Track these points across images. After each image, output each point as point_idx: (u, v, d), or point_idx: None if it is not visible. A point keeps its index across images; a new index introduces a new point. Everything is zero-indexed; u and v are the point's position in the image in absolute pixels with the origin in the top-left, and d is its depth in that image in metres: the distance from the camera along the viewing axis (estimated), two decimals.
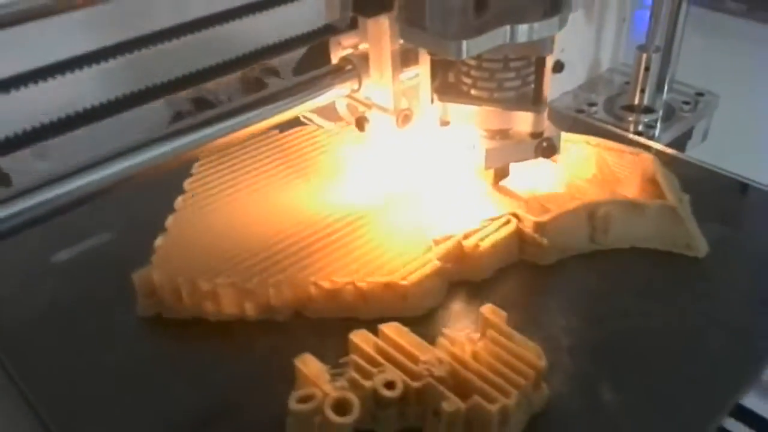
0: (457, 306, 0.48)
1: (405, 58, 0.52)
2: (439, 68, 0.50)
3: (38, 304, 0.49)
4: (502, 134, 0.51)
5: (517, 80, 0.50)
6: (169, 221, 0.52)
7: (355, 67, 0.52)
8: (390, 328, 0.41)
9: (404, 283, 0.45)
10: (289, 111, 0.51)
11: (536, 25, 0.44)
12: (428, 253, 0.48)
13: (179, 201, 0.54)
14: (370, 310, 0.46)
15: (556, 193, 0.54)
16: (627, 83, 0.95)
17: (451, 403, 0.35)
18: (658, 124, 0.89)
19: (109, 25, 0.60)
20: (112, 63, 0.59)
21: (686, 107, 0.91)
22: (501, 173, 0.53)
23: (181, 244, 0.49)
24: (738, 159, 0.68)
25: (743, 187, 0.59)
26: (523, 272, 0.50)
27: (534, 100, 0.50)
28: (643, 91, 0.87)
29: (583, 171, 0.58)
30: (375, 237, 0.49)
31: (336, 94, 0.53)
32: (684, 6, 0.83)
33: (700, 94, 0.94)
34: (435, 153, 0.53)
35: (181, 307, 0.46)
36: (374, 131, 0.54)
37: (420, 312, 0.46)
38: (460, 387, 0.37)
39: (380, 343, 0.40)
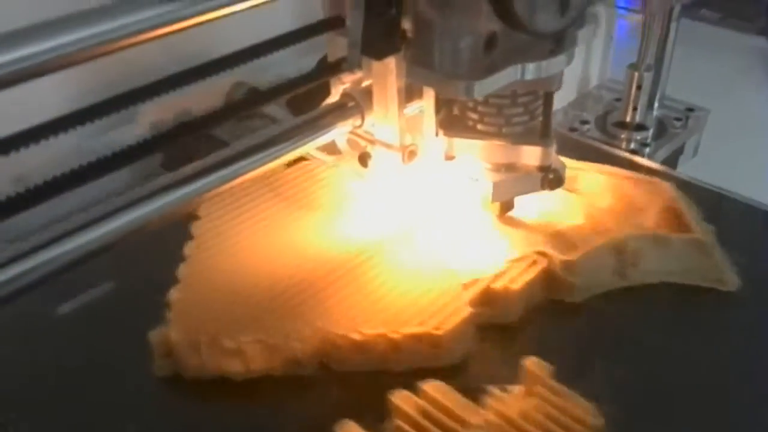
0: (490, 351, 0.46)
1: (408, 92, 0.49)
2: (443, 102, 0.49)
3: (41, 364, 0.46)
4: (508, 167, 0.50)
5: (525, 115, 0.49)
6: (181, 271, 0.49)
7: (358, 103, 0.50)
8: (432, 388, 0.39)
9: (438, 333, 0.43)
10: (290, 153, 0.47)
11: (545, 63, 0.44)
12: (459, 298, 0.46)
13: (189, 247, 0.51)
14: (401, 361, 0.44)
15: (576, 225, 0.53)
16: (617, 100, 0.95)
17: None
18: (651, 142, 0.89)
19: None
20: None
21: (677, 123, 0.92)
22: (506, 206, 0.53)
23: (199, 298, 0.46)
24: (726, 171, 0.68)
25: (746, 207, 0.58)
26: (553, 312, 0.49)
27: (542, 134, 0.49)
28: (635, 109, 0.88)
29: (599, 200, 0.56)
30: (397, 278, 0.47)
31: (338, 132, 0.50)
32: (675, 24, 0.83)
33: (690, 110, 0.95)
34: (440, 187, 0.52)
35: (202, 366, 0.44)
36: (378, 167, 0.52)
37: (453, 361, 0.44)
38: None
39: (422, 403, 0.38)
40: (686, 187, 0.57)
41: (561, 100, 0.95)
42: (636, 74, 0.86)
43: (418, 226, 0.52)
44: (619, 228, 0.52)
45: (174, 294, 0.47)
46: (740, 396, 0.42)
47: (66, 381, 0.44)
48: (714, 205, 0.58)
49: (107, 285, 0.52)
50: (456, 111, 0.51)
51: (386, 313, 0.45)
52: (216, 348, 0.43)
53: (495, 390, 0.38)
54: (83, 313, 0.50)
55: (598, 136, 0.91)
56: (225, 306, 0.45)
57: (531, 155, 0.49)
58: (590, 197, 0.56)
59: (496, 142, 0.49)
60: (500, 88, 0.44)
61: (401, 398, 0.38)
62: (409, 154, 0.49)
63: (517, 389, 0.39)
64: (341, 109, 0.50)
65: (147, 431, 0.41)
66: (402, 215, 0.53)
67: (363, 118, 0.50)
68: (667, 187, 0.56)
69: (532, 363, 0.40)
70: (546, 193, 0.51)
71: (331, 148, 0.56)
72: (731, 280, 0.49)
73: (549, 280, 0.49)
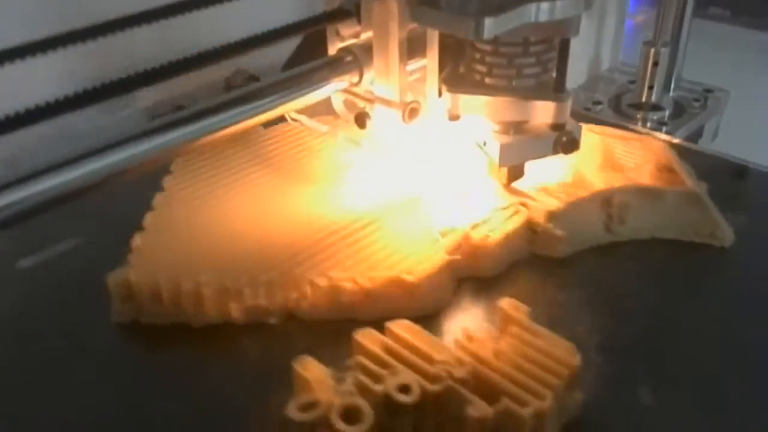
0: (469, 304, 0.43)
1: (411, 49, 0.46)
2: (447, 59, 0.46)
3: (1, 311, 0.43)
4: (517, 129, 0.46)
5: (538, 66, 0.45)
6: (147, 219, 0.47)
7: (356, 57, 0.46)
8: (399, 326, 0.36)
9: (411, 278, 0.41)
10: (281, 107, 0.44)
11: (560, 3, 0.40)
12: (435, 246, 0.43)
13: (158, 198, 0.49)
14: (372, 309, 0.41)
15: (564, 183, 0.51)
16: (631, 82, 0.91)
17: (478, 408, 0.31)
18: (668, 121, 0.86)
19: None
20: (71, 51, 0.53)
21: (696, 104, 0.88)
22: (515, 173, 0.48)
23: (161, 243, 0.44)
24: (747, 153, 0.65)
25: (742, 170, 0.55)
26: (537, 266, 0.46)
27: (556, 88, 0.45)
28: (651, 87, 0.84)
29: (590, 161, 0.54)
30: (380, 238, 0.44)
31: (333, 89, 0.47)
32: (691, 1, 0.80)
33: (709, 91, 0.91)
34: (443, 151, 0.49)
35: (162, 310, 0.41)
36: (377, 127, 0.48)
37: (427, 311, 0.42)
38: (485, 390, 0.32)
39: (389, 342, 0.35)
40: (687, 153, 0.54)
41: (571, 81, 0.92)
42: (652, 50, 0.83)
43: (414, 193, 0.48)
44: (608, 184, 0.49)
45: (137, 239, 0.44)
46: (730, 354, 0.39)
47: (22, 325, 0.42)
48: (712, 169, 0.55)
49: (72, 240, 0.50)
50: (462, 69, 0.48)
51: (358, 260, 0.42)
52: (176, 290, 0.41)
53: (466, 330, 0.36)
54: (46, 265, 0.48)
55: (612, 117, 0.86)
56: (188, 250, 0.43)
57: (544, 112, 0.45)
58: (580, 157, 0.54)
59: (506, 98, 0.45)
60: (511, 31, 0.40)
61: (365, 336, 0.35)
62: (410, 111, 0.46)
63: (489, 328, 0.36)
64: (337, 63, 0.47)
65: (98, 371, 0.38)
66: (398, 182, 0.49)
67: (361, 75, 0.47)
68: (659, 144, 0.53)
69: (507, 303, 0.37)
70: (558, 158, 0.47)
71: (323, 110, 0.53)
72: (726, 235, 0.47)
73: (532, 232, 0.47)
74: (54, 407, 0.37)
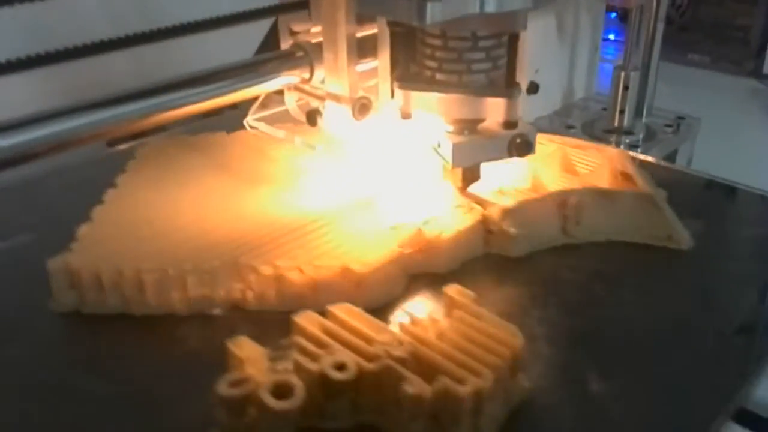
0: (418, 298, 0.42)
1: (362, 50, 0.46)
2: (399, 57, 0.45)
3: None
4: (471, 129, 0.45)
5: (488, 62, 0.44)
6: (96, 211, 0.46)
7: (307, 53, 0.47)
8: (340, 309, 0.35)
9: (358, 268, 0.40)
10: (227, 96, 0.44)
11: None
12: (385, 239, 0.43)
13: (109, 193, 0.48)
14: (319, 300, 0.40)
15: (521, 188, 0.50)
16: (604, 109, 0.92)
17: (414, 385, 0.30)
18: (640, 144, 0.87)
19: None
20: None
21: (668, 129, 0.89)
22: (470, 176, 0.47)
23: (107, 232, 0.43)
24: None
25: (708, 183, 0.56)
26: (491, 264, 0.45)
27: (507, 84, 0.44)
28: (622, 112, 0.85)
29: (547, 168, 0.54)
30: (330, 232, 0.43)
31: (283, 83, 0.48)
32: (660, 26, 0.82)
33: (681, 118, 0.92)
34: (397, 151, 0.48)
35: (103, 299, 0.40)
36: (328, 125, 0.48)
37: (376, 304, 0.41)
38: (425, 371, 0.31)
39: (329, 324, 0.34)
40: (647, 167, 0.54)
41: (545, 108, 0.92)
42: (623, 74, 0.84)
43: (365, 196, 0.47)
44: (564, 188, 0.49)
45: (83, 228, 0.43)
46: (677, 344, 0.38)
47: None
48: (677, 182, 0.55)
49: (21, 235, 0.48)
50: (413, 67, 0.46)
51: (306, 251, 0.41)
52: (118, 278, 0.39)
53: (411, 314, 0.35)
54: None
55: (585, 140, 0.87)
56: (133, 240, 0.42)
57: (495, 109, 0.44)
58: (536, 163, 0.54)
59: (457, 95, 0.44)
60: (459, 23, 0.40)
61: (305, 318, 0.34)
62: (361, 107, 0.45)
63: (433, 313, 0.35)
64: (288, 58, 0.46)
65: (29, 358, 0.37)
66: (353, 186, 0.48)
67: (312, 71, 0.46)
68: (615, 151, 0.53)
69: (452, 289, 0.36)
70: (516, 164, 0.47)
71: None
72: (683, 238, 0.47)
73: (487, 231, 0.46)
74: None
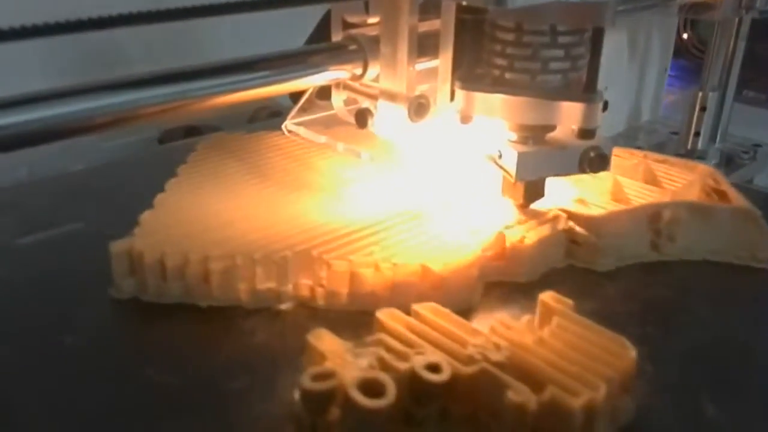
0: (498, 306, 0.39)
1: (422, 48, 0.42)
2: (463, 54, 0.41)
3: None
4: (537, 140, 0.40)
5: (566, 61, 0.39)
6: (158, 198, 0.43)
7: (362, 47, 0.42)
8: (427, 308, 0.32)
9: (439, 269, 0.37)
10: (267, 87, 0.39)
11: None
12: (466, 242, 0.40)
13: (170, 182, 0.46)
14: (394, 301, 0.37)
15: (603, 199, 0.47)
16: (674, 133, 0.88)
17: (519, 393, 0.26)
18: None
19: None
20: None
21: (745, 156, 0.84)
22: (534, 192, 0.42)
23: (170, 219, 0.41)
24: None
25: None
26: (574, 276, 0.42)
27: (587, 87, 0.39)
28: (697, 134, 0.80)
29: (630, 180, 0.50)
30: (407, 230, 0.40)
31: (332, 77, 0.43)
32: (741, 45, 0.78)
33: (758, 145, 0.87)
34: (452, 158, 0.43)
35: (165, 287, 0.37)
36: (378, 127, 0.43)
37: (454, 309, 0.37)
38: (526, 379, 0.28)
39: (415, 323, 0.31)
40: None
41: (609, 129, 0.88)
42: (700, 94, 0.80)
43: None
44: (653, 201, 0.46)
45: (145, 214, 0.41)
46: None
47: (11, 301, 0.38)
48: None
49: (76, 223, 0.47)
50: (478, 68, 0.41)
51: (386, 251, 0.38)
52: (183, 265, 0.37)
53: (502, 318, 0.32)
54: (45, 242, 0.44)
55: None
56: (199, 226, 0.40)
57: (570, 115, 0.39)
58: (618, 175, 0.51)
59: (527, 98, 0.39)
60: (537, 11, 0.36)
61: (389, 315, 0.31)
62: (418, 107, 0.41)
63: (528, 318, 0.32)
64: (340, 51, 0.42)
65: (89, 347, 0.34)
66: (409, 196, 0.44)
67: (366, 67, 0.42)
68: (706, 168, 0.50)
69: (549, 296, 0.33)
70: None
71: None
72: None
73: (570, 242, 0.43)
74: (37, 379, 0.33)
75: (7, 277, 0.40)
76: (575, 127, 0.39)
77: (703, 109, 0.78)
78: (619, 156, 0.52)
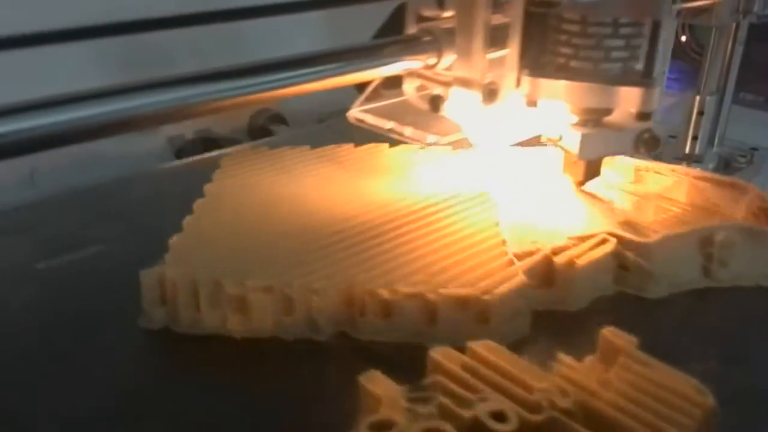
0: (551, 340, 0.37)
1: (491, 38, 0.44)
2: (530, 45, 0.43)
3: (10, 310, 0.38)
4: (596, 122, 0.45)
5: (626, 50, 0.43)
6: (187, 220, 0.42)
7: (437, 38, 0.44)
8: (484, 347, 0.30)
9: (487, 297, 0.35)
10: (345, 77, 0.41)
11: None
12: (511, 266, 0.38)
13: (198, 203, 0.44)
14: (439, 333, 0.35)
15: (648, 221, 0.45)
16: (672, 136, 0.87)
17: None
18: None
19: None
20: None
21: (742, 159, 0.83)
22: (592, 170, 0.47)
23: (203, 242, 0.39)
24: None
25: None
26: (625, 305, 0.40)
27: (645, 73, 0.43)
28: (695, 138, 0.79)
29: (673, 200, 0.49)
30: (443, 240, 0.40)
31: (406, 67, 0.44)
32: (739, 50, 0.76)
33: (755, 149, 0.86)
34: (516, 143, 0.48)
35: (199, 317, 0.36)
36: (452, 110, 0.46)
37: (502, 342, 0.36)
38: (596, 427, 0.26)
39: (473, 363, 0.29)
40: None
41: None
42: (698, 98, 0.79)
43: (480, 187, 0.46)
44: (701, 223, 0.44)
45: (175, 239, 0.39)
46: None
47: (32, 326, 0.37)
48: None
49: (100, 245, 0.45)
50: (543, 57, 0.45)
51: (423, 270, 0.37)
52: (217, 294, 0.35)
53: (564, 357, 0.30)
54: (68, 266, 0.43)
55: None
56: (232, 250, 0.38)
57: (629, 99, 0.43)
58: (663, 195, 0.49)
59: (589, 84, 0.43)
60: (600, 5, 0.40)
61: (443, 353, 0.29)
62: (490, 92, 0.43)
63: (590, 359, 0.30)
64: (414, 43, 0.44)
65: (118, 381, 0.33)
66: (468, 181, 0.47)
67: (440, 57, 0.44)
68: (752, 186, 0.48)
69: (610, 332, 0.31)
70: (639, 157, 0.47)
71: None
72: None
73: (619, 267, 0.41)
74: (62, 407, 0.31)
75: (28, 306, 0.38)
76: (633, 110, 0.43)
77: (700, 113, 0.76)
78: (661, 173, 0.51)
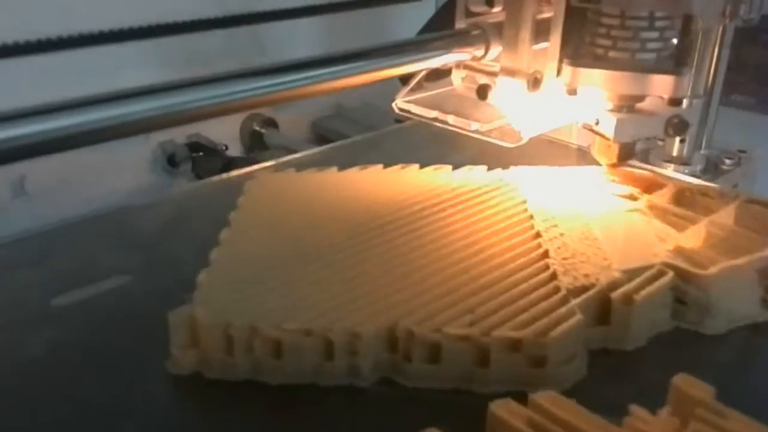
0: (610, 383, 0.34)
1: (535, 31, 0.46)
2: (570, 36, 0.46)
3: (32, 354, 0.36)
4: (629, 108, 0.48)
5: (660, 41, 0.46)
6: (214, 254, 0.40)
7: (485, 32, 0.46)
8: (548, 400, 0.27)
9: (543, 339, 0.33)
10: (399, 68, 0.42)
11: None
12: (566, 304, 0.35)
13: (225, 234, 0.42)
14: (490, 379, 0.33)
15: (699, 245, 0.43)
16: (660, 140, 0.86)
17: None
18: (700, 176, 0.79)
19: None
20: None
21: (729, 162, 0.81)
22: (626, 153, 0.50)
23: (234, 279, 0.37)
24: None
25: None
26: (684, 342, 0.37)
27: (677, 62, 0.46)
28: (683, 141, 0.78)
29: (723, 224, 0.46)
30: (489, 275, 0.37)
31: (455, 59, 0.46)
32: (726, 53, 0.75)
33: (742, 152, 0.84)
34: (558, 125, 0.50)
35: (232, 362, 0.33)
36: (498, 98, 0.47)
37: (558, 388, 0.33)
38: None
39: (539, 419, 0.26)
40: None
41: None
42: (685, 101, 0.77)
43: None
44: (756, 249, 0.41)
45: (203, 275, 0.37)
46: None
47: (57, 371, 0.34)
48: None
49: (120, 277, 0.42)
50: (581, 48, 0.47)
51: (483, 323, 0.34)
52: (253, 338, 0.33)
53: (636, 409, 0.27)
54: (86, 303, 0.40)
55: (642, 167, 0.81)
56: (266, 286, 0.36)
57: (662, 85, 0.46)
58: (711, 219, 0.46)
59: (627, 72, 0.46)
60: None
61: (504, 408, 0.27)
62: (534, 81, 0.46)
63: (664, 411, 0.28)
64: (463, 36, 0.45)
65: None
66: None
67: (487, 49, 0.46)
68: None
69: (684, 381, 0.28)
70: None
71: None
72: None
73: (676, 302, 0.38)
74: None
75: (45, 349, 0.36)
76: (665, 96, 0.46)
77: None
78: (708, 195, 0.48)
